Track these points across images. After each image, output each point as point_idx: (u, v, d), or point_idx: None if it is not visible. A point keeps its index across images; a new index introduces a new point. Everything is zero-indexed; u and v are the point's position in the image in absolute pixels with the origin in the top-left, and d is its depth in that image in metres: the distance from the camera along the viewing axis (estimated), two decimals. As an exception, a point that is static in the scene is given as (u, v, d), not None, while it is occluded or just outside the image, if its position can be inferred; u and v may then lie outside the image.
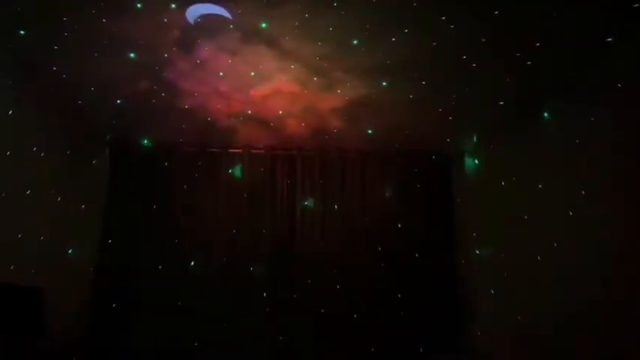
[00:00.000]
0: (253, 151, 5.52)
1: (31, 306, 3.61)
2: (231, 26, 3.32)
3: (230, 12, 3.18)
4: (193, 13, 3.24)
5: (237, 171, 5.48)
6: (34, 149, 4.18)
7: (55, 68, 3.93)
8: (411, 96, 4.18)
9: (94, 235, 5.17)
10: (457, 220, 5.39)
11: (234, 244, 5.23)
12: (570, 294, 3.41)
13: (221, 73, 4.01)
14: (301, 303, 5.06)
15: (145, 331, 4.83)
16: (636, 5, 2.71)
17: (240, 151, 5.50)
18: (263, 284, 5.08)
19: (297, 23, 3.26)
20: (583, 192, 3.37)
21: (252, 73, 4.00)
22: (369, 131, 5.02)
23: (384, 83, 4.03)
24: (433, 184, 5.46)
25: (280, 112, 4.70)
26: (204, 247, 5.17)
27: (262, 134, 5.27)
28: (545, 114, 3.95)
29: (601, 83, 3.34)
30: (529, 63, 3.53)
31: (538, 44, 3.31)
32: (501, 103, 4.19)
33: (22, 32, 3.40)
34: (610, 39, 3.12)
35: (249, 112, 4.71)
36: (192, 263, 5.11)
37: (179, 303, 4.95)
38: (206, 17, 3.26)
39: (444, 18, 3.08)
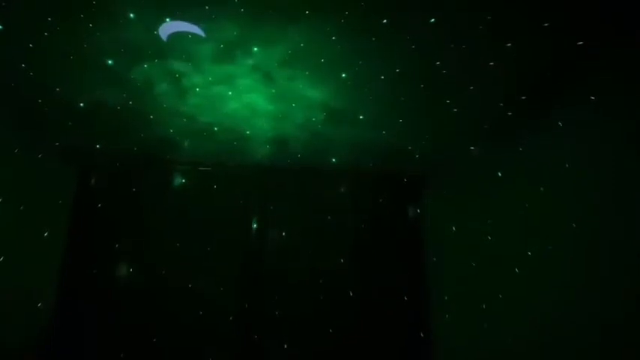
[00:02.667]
0: (220, 168, 5.56)
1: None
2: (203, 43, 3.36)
3: (203, 30, 3.23)
4: (167, 30, 3.27)
5: (201, 187, 5.52)
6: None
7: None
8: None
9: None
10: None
11: (200, 262, 5.24)
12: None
13: (197, 89, 4.04)
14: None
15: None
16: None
17: (209, 168, 5.53)
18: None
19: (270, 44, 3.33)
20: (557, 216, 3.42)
21: (225, 91, 4.06)
22: (333, 159, 5.15)
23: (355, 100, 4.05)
24: (403, 206, 5.55)
25: (249, 131, 4.76)
26: (170, 267, 5.18)
27: (230, 152, 5.29)
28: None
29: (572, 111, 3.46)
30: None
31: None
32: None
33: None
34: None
35: (217, 129, 4.75)
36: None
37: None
38: (179, 35, 3.29)
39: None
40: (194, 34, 3.31)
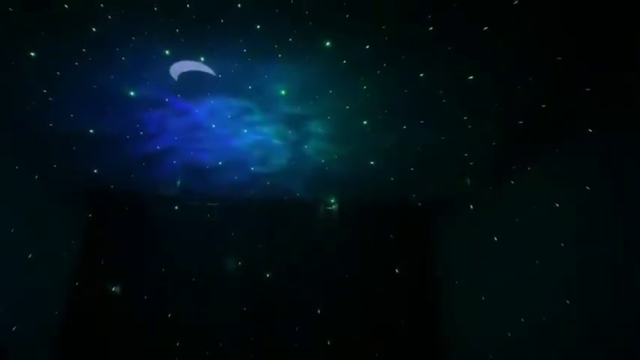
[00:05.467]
0: (235, 203, 5.52)
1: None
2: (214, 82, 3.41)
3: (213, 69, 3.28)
4: (178, 69, 3.30)
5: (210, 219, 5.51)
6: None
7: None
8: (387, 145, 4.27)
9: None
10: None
11: (211, 289, 5.25)
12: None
13: (213, 126, 4.05)
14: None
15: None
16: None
17: (216, 204, 5.53)
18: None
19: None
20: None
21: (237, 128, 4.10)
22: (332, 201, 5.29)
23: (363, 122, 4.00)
24: (410, 237, 5.60)
25: (255, 165, 4.78)
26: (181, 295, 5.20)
27: (237, 185, 5.26)
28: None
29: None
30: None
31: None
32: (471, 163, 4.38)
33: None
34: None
35: (224, 163, 4.74)
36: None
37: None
38: (189, 74, 3.33)
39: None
40: (204, 73, 3.33)
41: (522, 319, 3.94)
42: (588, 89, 3.09)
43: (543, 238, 3.77)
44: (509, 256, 4.24)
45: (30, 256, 4.35)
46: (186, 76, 3.36)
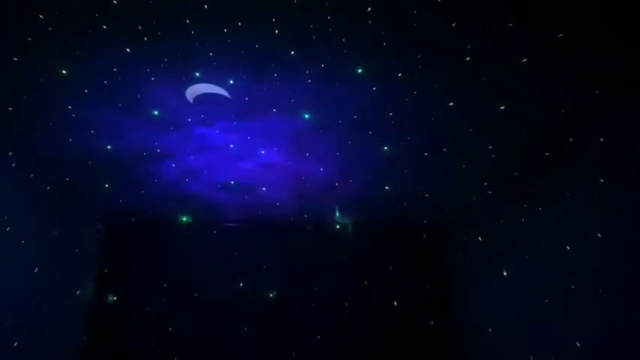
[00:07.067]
0: (249, 224, 5.49)
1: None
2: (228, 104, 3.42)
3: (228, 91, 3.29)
4: (193, 92, 3.31)
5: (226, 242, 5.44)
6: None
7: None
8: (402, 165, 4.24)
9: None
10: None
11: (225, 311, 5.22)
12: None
13: (231, 145, 4.05)
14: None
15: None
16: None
17: (235, 225, 5.50)
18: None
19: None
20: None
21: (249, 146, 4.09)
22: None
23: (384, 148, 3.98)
24: (426, 255, 5.56)
25: (268, 185, 4.78)
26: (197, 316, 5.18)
27: (253, 207, 5.24)
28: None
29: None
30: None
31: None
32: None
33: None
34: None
35: (239, 184, 4.73)
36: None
37: None
38: (205, 97, 3.34)
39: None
40: (220, 96, 3.34)
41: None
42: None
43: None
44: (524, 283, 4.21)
45: (36, 270, 4.27)
46: (201, 98, 3.36)
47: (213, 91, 3.30)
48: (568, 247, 3.55)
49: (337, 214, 5.35)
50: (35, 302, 4.17)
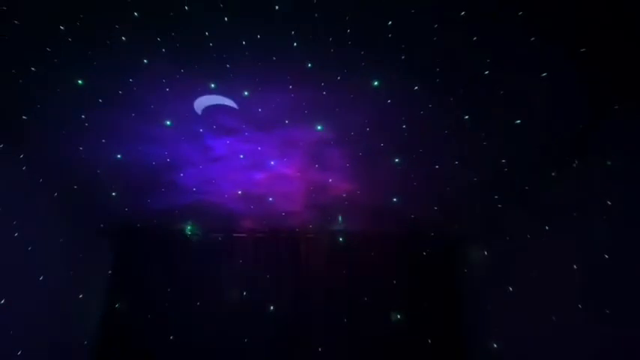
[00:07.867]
0: (258, 235, 5.47)
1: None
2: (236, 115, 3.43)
3: (236, 102, 3.29)
4: (202, 104, 3.32)
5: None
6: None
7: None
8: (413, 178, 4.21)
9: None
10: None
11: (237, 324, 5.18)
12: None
13: (241, 156, 4.05)
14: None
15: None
16: None
17: (244, 235, 5.43)
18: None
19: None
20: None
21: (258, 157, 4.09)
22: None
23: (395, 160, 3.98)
24: (432, 269, 5.48)
25: (277, 196, 4.76)
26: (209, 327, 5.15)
27: (266, 218, 5.22)
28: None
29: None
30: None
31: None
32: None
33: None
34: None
35: (253, 195, 4.72)
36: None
37: None
38: (213, 108, 3.35)
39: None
40: (228, 107, 3.34)
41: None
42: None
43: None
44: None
45: (41, 278, 4.23)
46: (209, 110, 3.37)
47: (221, 102, 3.31)
48: (575, 266, 3.52)
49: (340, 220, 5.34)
50: (41, 310, 4.13)
